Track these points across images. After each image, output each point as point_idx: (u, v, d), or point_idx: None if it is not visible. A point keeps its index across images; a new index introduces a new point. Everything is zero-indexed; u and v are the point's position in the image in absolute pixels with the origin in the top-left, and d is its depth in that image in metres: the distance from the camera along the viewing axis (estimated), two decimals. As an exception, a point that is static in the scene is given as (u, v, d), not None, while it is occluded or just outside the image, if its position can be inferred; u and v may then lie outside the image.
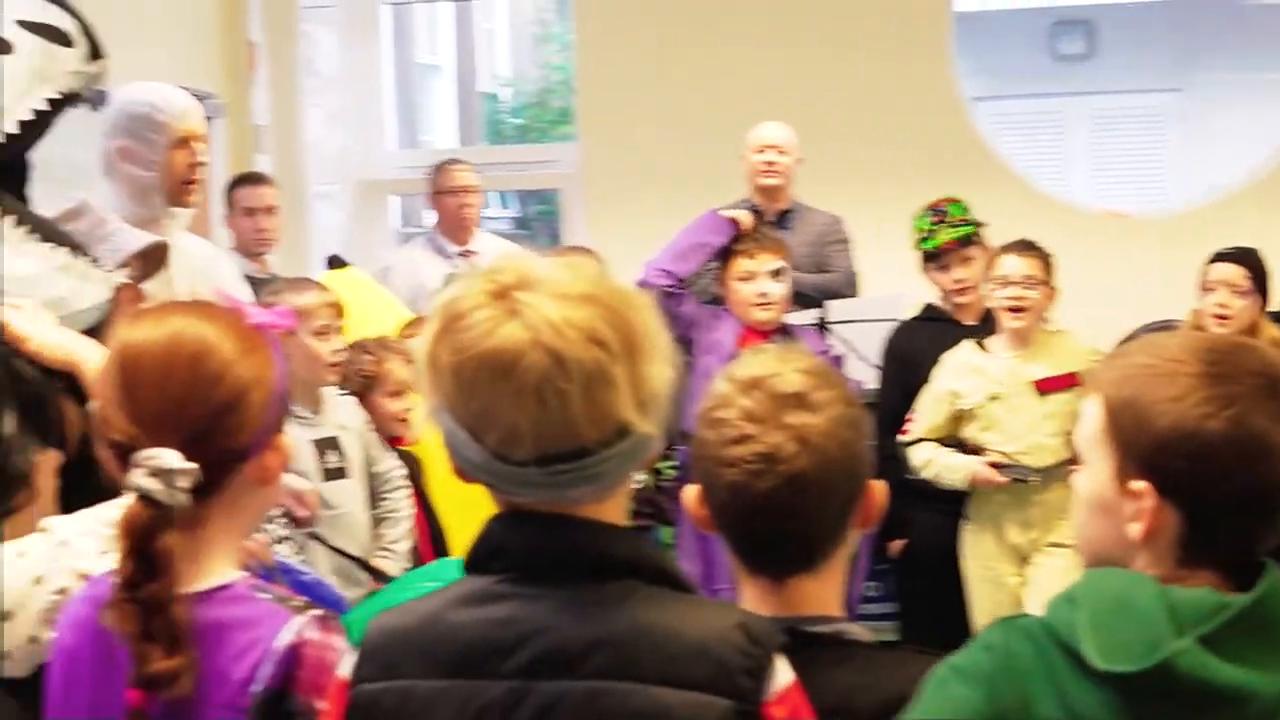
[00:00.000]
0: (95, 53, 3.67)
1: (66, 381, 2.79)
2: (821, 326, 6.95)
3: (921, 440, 6.18)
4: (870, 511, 2.44)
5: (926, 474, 6.14)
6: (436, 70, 19.12)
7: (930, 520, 6.38)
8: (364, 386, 5.81)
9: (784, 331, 6.25)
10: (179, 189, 4.94)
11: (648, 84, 9.62)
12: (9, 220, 3.49)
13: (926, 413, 6.19)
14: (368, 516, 5.58)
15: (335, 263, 7.03)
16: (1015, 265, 6.09)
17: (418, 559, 5.82)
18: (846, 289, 7.58)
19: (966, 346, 6.23)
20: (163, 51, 7.97)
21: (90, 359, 2.91)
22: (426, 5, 16.88)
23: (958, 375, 6.17)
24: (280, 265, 7.79)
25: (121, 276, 3.70)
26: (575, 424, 2.08)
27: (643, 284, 6.10)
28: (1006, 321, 6.10)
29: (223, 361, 2.30)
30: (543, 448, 2.10)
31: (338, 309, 5.55)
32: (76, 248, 3.58)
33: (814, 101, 9.17)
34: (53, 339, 2.97)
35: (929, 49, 9.61)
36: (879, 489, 2.45)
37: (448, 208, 8.48)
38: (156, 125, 4.85)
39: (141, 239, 4.07)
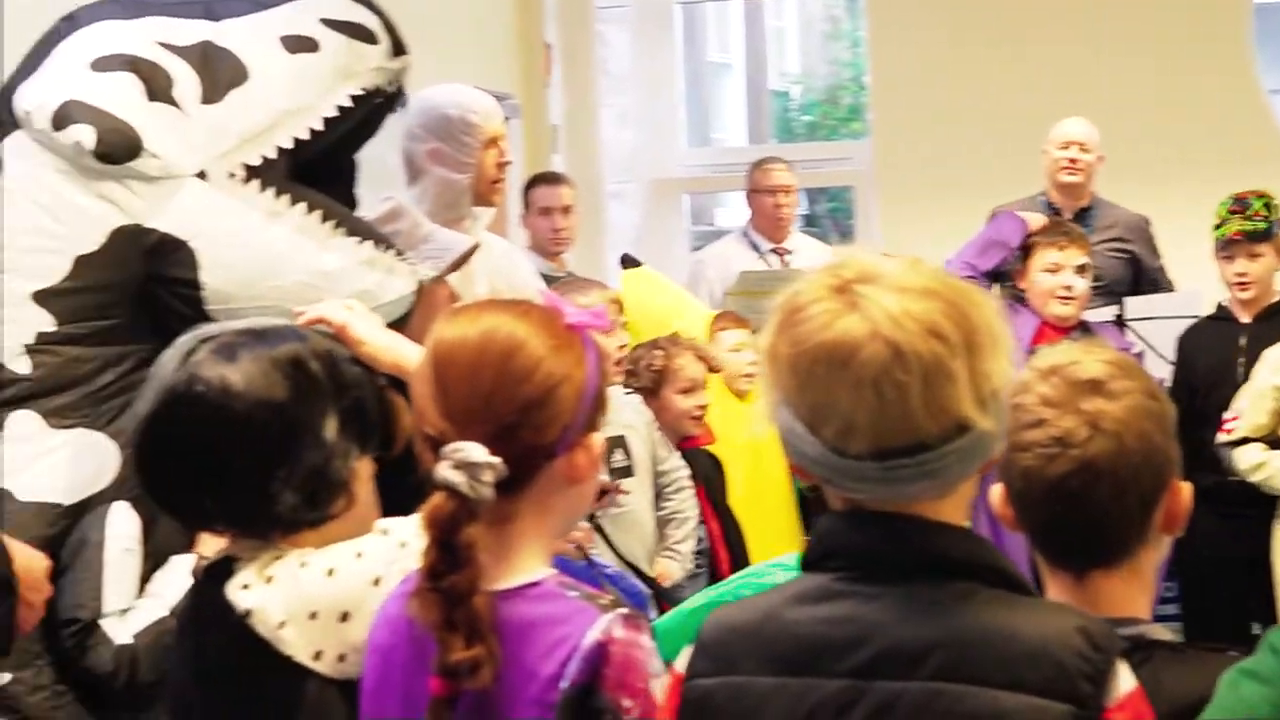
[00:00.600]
0: (398, 49, 3.72)
1: (391, 382, 2.82)
2: (1119, 323, 6.85)
3: (1247, 440, 6.04)
4: (1176, 513, 2.40)
5: (1256, 477, 6.00)
6: (727, 68, 19.15)
7: (1209, 523, 6.27)
8: (654, 382, 5.83)
9: (1082, 328, 6.15)
10: (487, 189, 5.01)
11: (941, 80, 9.55)
12: (315, 215, 3.56)
13: (1250, 410, 6.05)
14: (653, 516, 5.61)
15: (628, 261, 7.08)
16: None
17: (708, 561, 5.84)
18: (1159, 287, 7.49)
19: None
20: (461, 53, 8.09)
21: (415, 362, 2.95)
22: (717, 4, 16.91)
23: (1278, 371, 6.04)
24: (575, 264, 7.87)
25: (426, 270, 3.75)
26: (913, 418, 2.06)
27: None
28: None
29: (533, 358, 2.31)
30: (880, 442, 2.08)
31: (619, 307, 5.58)
32: (380, 241, 3.64)
33: (1111, 96, 9.02)
34: (384, 342, 3.02)
35: (1228, 42, 9.42)
36: (1185, 490, 2.41)
37: (763, 206, 8.55)
38: (469, 127, 4.91)
39: (462, 241, 4.13)
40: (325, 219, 3.58)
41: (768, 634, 2.16)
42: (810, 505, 6.10)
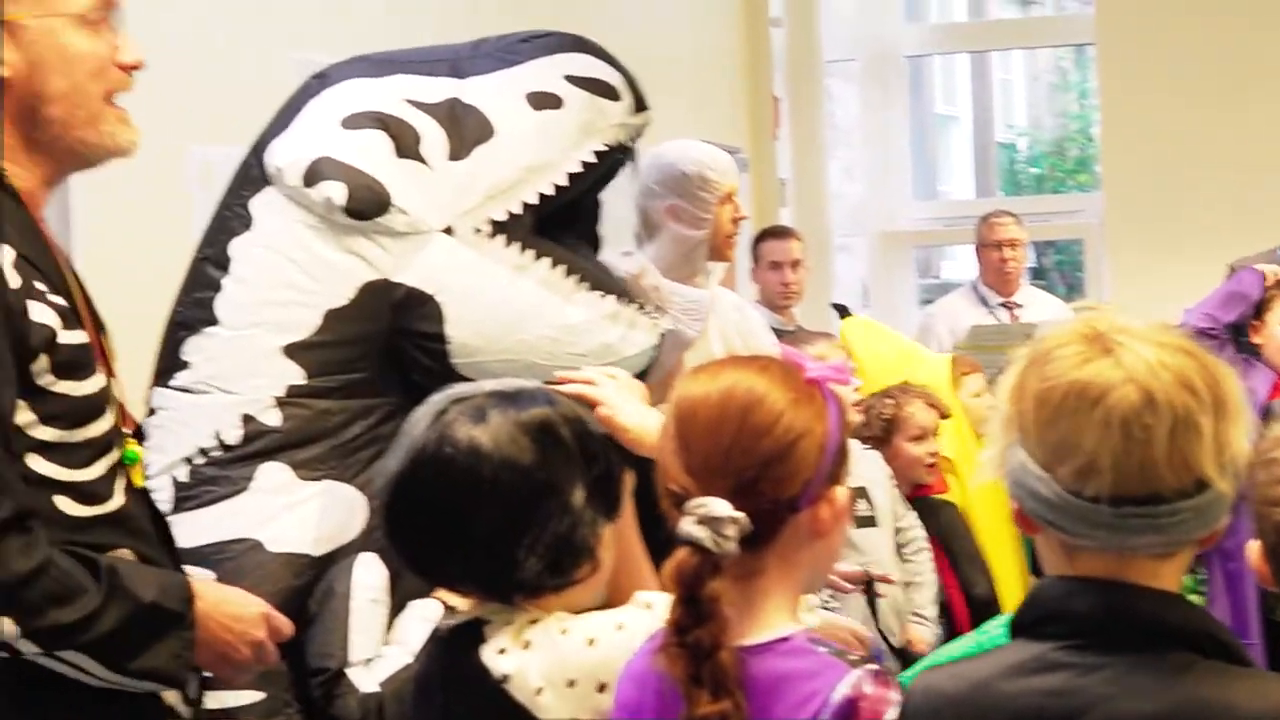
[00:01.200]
0: (639, 105, 3.76)
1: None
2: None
3: None
4: None
5: None
6: (954, 121, 19.08)
7: None
8: (885, 431, 5.82)
9: None
10: (722, 244, 5.03)
11: (1171, 132, 9.43)
12: (559, 270, 3.60)
13: None
14: (897, 567, 5.60)
15: (843, 310, 7.10)
16: None
17: (943, 613, 5.80)
18: None
19: None
20: (690, 107, 8.15)
21: None
22: (944, 57, 16.86)
23: None
24: (802, 317, 7.88)
25: (668, 324, 3.78)
26: (1155, 466, 2.06)
27: (1181, 326, 5.99)
28: None
29: (773, 412, 2.32)
30: (1119, 486, 2.07)
31: (848, 358, 5.59)
32: (623, 294, 3.68)
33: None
34: (646, 425, 3.01)
35: None
36: None
37: (991, 260, 8.53)
38: (706, 183, 4.94)
39: (705, 299, 4.17)
40: (569, 273, 3.61)
41: (981, 705, 2.14)
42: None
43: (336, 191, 3.46)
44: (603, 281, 3.68)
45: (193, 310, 3.56)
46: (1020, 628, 2.20)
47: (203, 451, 3.48)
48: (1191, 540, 2.13)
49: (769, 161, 9.71)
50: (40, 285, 2.63)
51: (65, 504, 2.61)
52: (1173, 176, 9.40)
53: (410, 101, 3.61)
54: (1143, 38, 9.62)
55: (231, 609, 2.80)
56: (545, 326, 3.57)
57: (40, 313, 2.61)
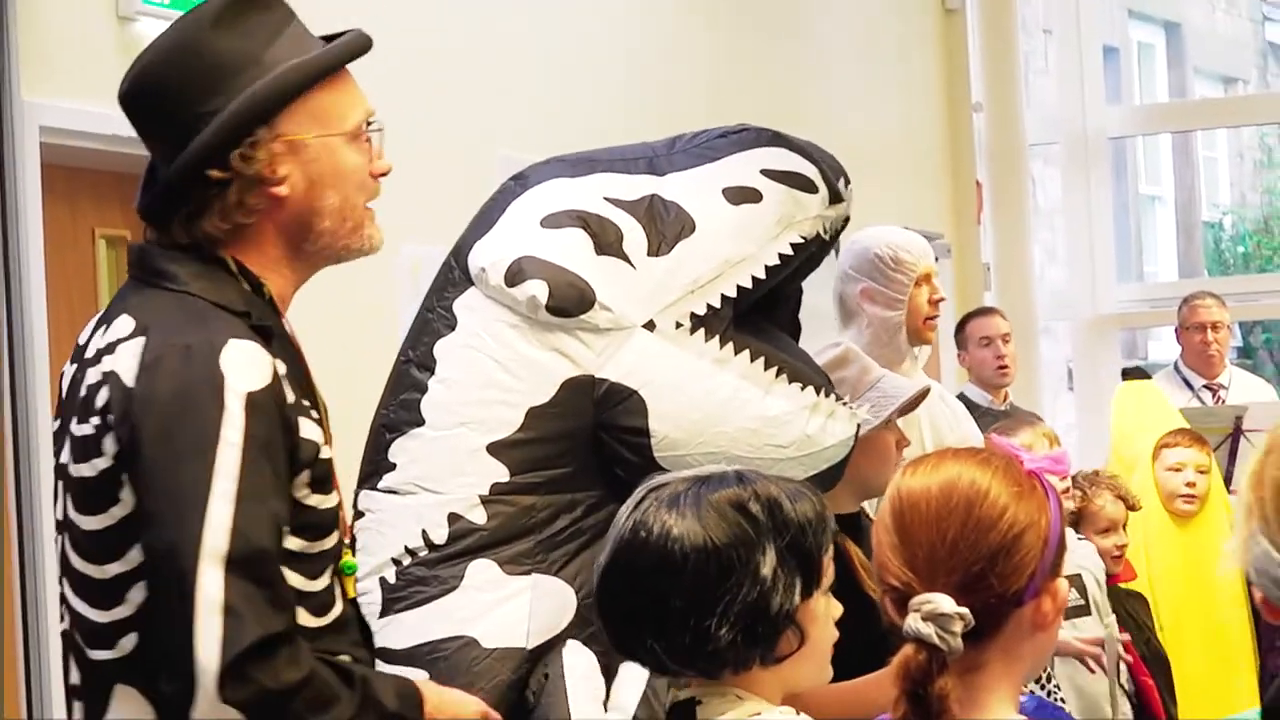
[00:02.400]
0: (834, 197, 3.77)
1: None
2: None
3: None
4: None
5: None
6: (1158, 200, 18.89)
7: None
8: (1072, 523, 5.78)
9: None
10: (921, 325, 5.03)
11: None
12: (759, 363, 3.60)
13: None
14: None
15: (1128, 373, 7.20)
16: None
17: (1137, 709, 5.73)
18: None
19: None
20: (894, 193, 8.16)
21: None
22: (1147, 137, 16.71)
23: None
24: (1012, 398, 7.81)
25: (865, 415, 3.78)
26: None
27: None
28: None
29: (996, 506, 2.31)
30: None
31: (1050, 441, 5.57)
32: (821, 386, 3.68)
33: None
34: None
35: None
36: None
37: (1192, 342, 8.43)
38: (900, 264, 4.95)
39: (910, 386, 4.15)
40: (768, 366, 3.62)
41: None
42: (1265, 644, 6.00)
43: (540, 290, 3.48)
44: (802, 373, 3.67)
45: (399, 412, 3.60)
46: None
47: (410, 552, 3.51)
48: None
49: (972, 246, 9.68)
50: (305, 401, 2.72)
51: (302, 615, 2.67)
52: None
53: (609, 199, 3.64)
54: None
55: (452, 710, 2.85)
56: (746, 419, 3.57)
57: (308, 429, 2.69)
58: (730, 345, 3.60)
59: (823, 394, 3.65)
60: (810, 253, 3.79)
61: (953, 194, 9.61)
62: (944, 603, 2.24)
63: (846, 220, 3.83)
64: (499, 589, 3.47)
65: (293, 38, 2.79)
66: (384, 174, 2.87)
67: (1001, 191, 9.92)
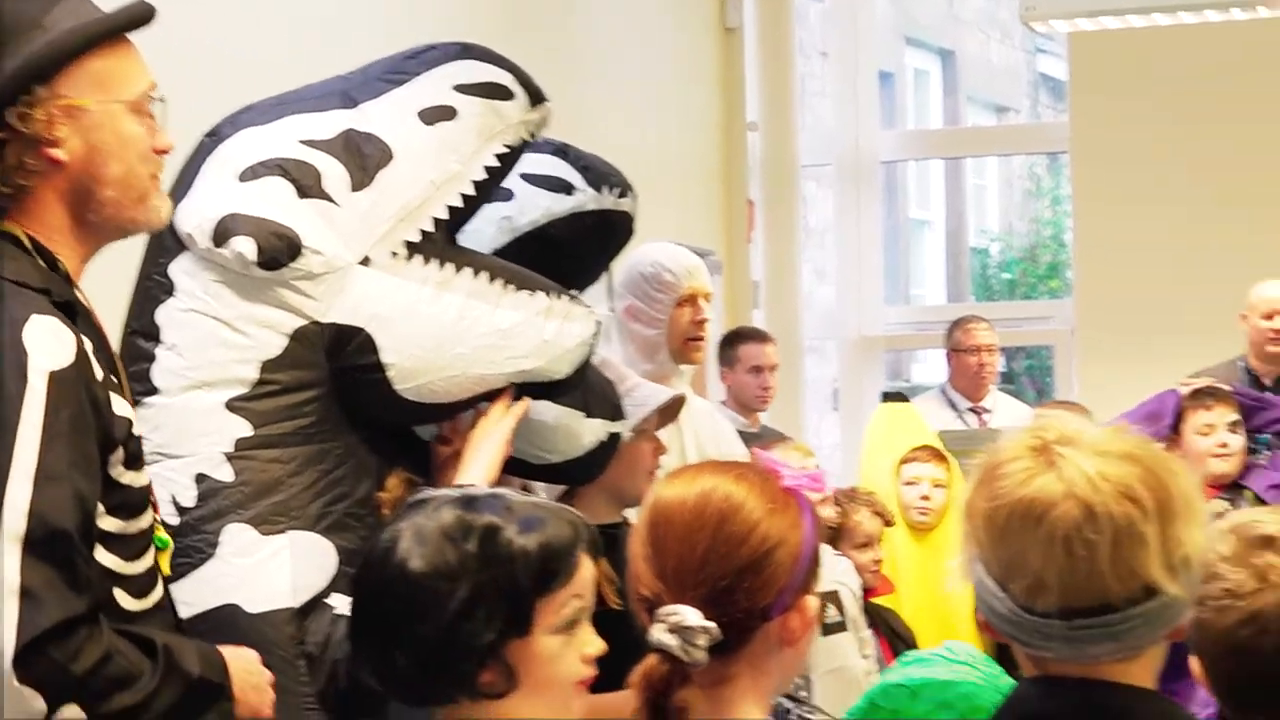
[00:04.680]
0: (535, 99, 3.78)
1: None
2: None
3: None
4: None
5: None
6: (927, 225, 19.18)
7: None
8: (830, 539, 5.87)
9: (1234, 486, 6.29)
10: (685, 346, 5.06)
11: (1144, 240, 9.50)
12: (483, 277, 3.61)
13: None
14: (862, 672, 5.61)
15: (892, 397, 7.32)
16: None
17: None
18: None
19: None
20: (667, 209, 8.19)
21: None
22: (919, 162, 16.97)
23: None
24: (769, 419, 7.89)
25: (601, 313, 3.80)
26: (1101, 578, 2.09)
27: None
28: None
29: (748, 521, 2.32)
30: (1067, 600, 2.11)
31: (805, 456, 5.66)
32: (552, 289, 3.68)
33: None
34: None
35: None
36: None
37: (964, 365, 8.54)
38: (662, 284, 4.99)
39: (662, 393, 4.20)
40: (494, 278, 3.61)
41: None
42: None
43: (247, 246, 3.45)
44: (530, 280, 3.67)
45: (132, 384, 3.57)
46: None
47: (161, 523, 3.48)
48: (1155, 640, 2.15)
49: (742, 263, 9.76)
50: (113, 377, 2.74)
51: (124, 599, 2.71)
52: (1143, 284, 9.46)
53: (304, 141, 3.61)
54: (1115, 146, 9.70)
55: (252, 674, 2.91)
56: (479, 336, 3.58)
57: (120, 406, 2.71)
58: (450, 265, 3.60)
59: (555, 296, 3.66)
60: (518, 158, 3.81)
61: (725, 211, 9.68)
62: (689, 615, 2.26)
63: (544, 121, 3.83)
64: (256, 551, 3.45)
65: (75, 4, 2.79)
66: (166, 151, 2.89)
67: (773, 210, 10.02)
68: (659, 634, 2.26)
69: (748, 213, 9.84)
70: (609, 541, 3.46)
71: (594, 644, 2.58)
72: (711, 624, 2.26)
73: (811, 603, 2.37)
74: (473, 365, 3.56)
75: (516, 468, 3.78)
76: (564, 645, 2.55)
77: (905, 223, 17.95)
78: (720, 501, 2.33)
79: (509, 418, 3.60)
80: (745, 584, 2.30)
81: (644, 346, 4.99)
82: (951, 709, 3.40)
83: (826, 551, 5.59)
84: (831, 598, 5.54)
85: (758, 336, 7.91)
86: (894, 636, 5.97)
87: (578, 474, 3.95)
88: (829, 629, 5.47)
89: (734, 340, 7.85)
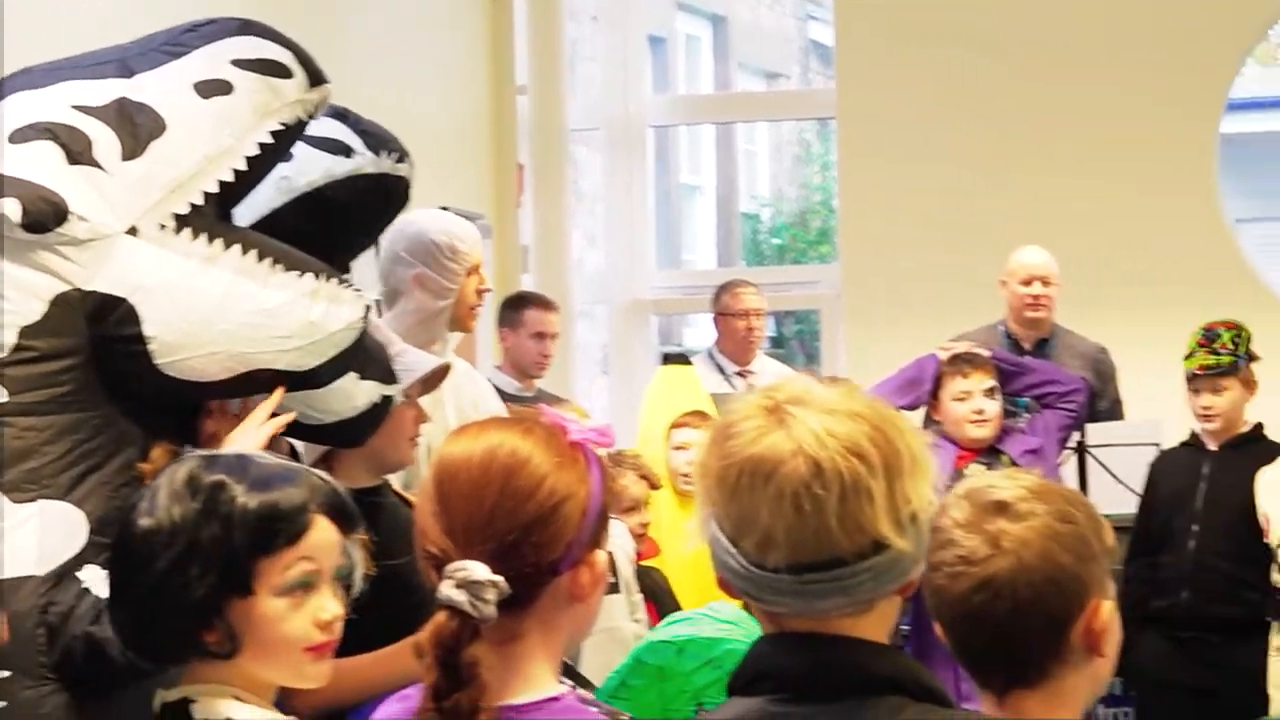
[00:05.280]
0: (315, 79, 3.76)
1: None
2: (1080, 450, 6.97)
3: None
4: (1095, 634, 2.40)
5: None
6: (698, 191, 19.29)
7: (1160, 646, 6.52)
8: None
9: (991, 451, 6.38)
10: (465, 314, 5.04)
11: (909, 205, 9.64)
12: (251, 255, 3.58)
13: None
14: (632, 635, 5.64)
15: (669, 358, 7.33)
16: None
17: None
18: (1116, 416, 7.58)
19: None
20: (436, 172, 8.15)
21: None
22: (689, 127, 17.06)
23: None
24: (541, 382, 7.88)
25: (370, 298, 3.78)
26: (830, 534, 2.12)
27: None
28: None
29: (535, 476, 2.31)
30: (797, 556, 2.14)
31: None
32: (321, 271, 3.66)
33: (1077, 224, 9.14)
34: None
35: (1193, 172, 9.53)
36: (1105, 611, 2.40)
37: (732, 329, 8.55)
38: (456, 254, 4.95)
39: (429, 360, 4.18)
40: (262, 257, 3.58)
41: None
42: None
43: (10, 208, 3.40)
44: (299, 261, 3.65)
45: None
46: (735, 689, 2.24)
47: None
48: (884, 594, 2.18)
49: (512, 228, 9.76)
50: None
51: None
52: (909, 249, 9.60)
53: (77, 107, 3.57)
54: (881, 112, 9.83)
55: None
56: (244, 314, 3.54)
57: None
58: (220, 241, 3.57)
59: (323, 279, 3.63)
60: (294, 138, 3.78)
61: (494, 175, 9.67)
62: (477, 570, 2.25)
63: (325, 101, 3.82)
64: (5, 519, 3.39)
65: None
66: None
67: (543, 174, 10.01)
68: (447, 590, 2.25)
69: (517, 177, 9.83)
70: (370, 508, 3.46)
71: (329, 609, 2.59)
72: (500, 579, 2.25)
73: (600, 558, 2.38)
74: (235, 343, 3.51)
75: (289, 429, 3.75)
76: (291, 608, 2.56)
77: (676, 188, 18.03)
78: (506, 456, 2.33)
79: (269, 427, 3.58)
80: (533, 538, 2.29)
81: (428, 314, 4.93)
82: (717, 666, 3.44)
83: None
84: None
85: (543, 303, 7.89)
86: (659, 598, 6.00)
87: (349, 435, 3.92)
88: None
89: (519, 304, 7.84)
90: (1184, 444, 6.81)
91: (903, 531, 2.16)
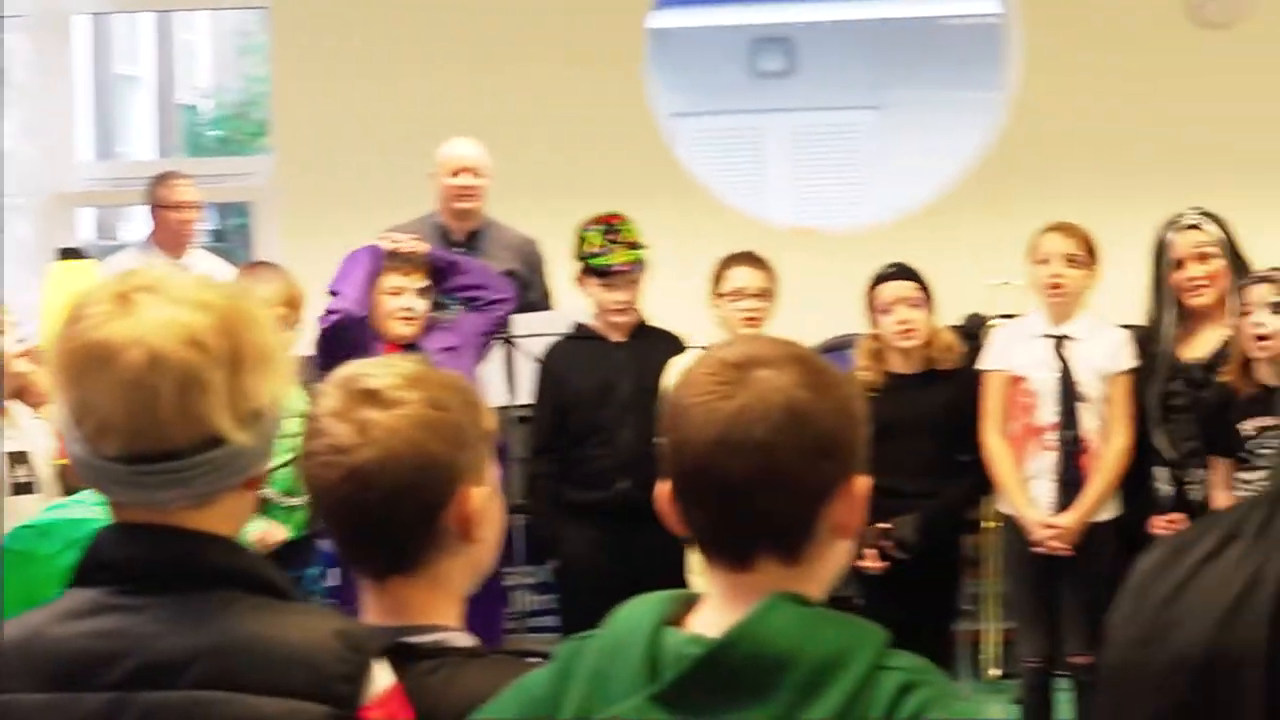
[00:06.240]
0: None
1: None
2: (508, 340, 7.04)
3: None
4: (464, 519, 2.41)
5: None
6: (135, 81, 18.83)
7: (582, 534, 6.62)
8: (15, 395, 5.76)
9: (411, 347, 6.41)
10: None
11: (343, 97, 9.58)
12: None
13: None
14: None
15: (69, 253, 7.16)
16: (749, 277, 6.50)
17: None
18: (545, 307, 7.67)
19: None
20: None
21: None
22: (127, 15, 16.61)
23: None
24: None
25: None
26: (165, 425, 2.13)
27: (327, 314, 6.27)
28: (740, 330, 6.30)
29: None
30: (132, 445, 2.14)
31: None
32: None
33: (510, 116, 9.21)
34: None
35: (624, 64, 9.68)
36: (476, 498, 2.42)
37: (167, 221, 8.43)
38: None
39: None
40: None
41: (35, 651, 2.17)
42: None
43: None
44: None
45: None
46: (77, 579, 2.23)
47: None
48: (226, 488, 2.19)
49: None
50: None
51: None
52: (342, 141, 9.55)
53: None
54: (316, 2, 9.73)
55: None
56: None
57: None
58: None
59: None
60: None
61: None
62: None
63: None
64: None
65: None
66: None
67: (-33, 63, 9.65)
68: None
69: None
70: None
71: None
72: None
73: None
74: None
75: None
76: None
77: (112, 79, 17.57)
78: None
79: None
80: None
81: None
82: (82, 548, 3.42)
83: (22, 412, 5.47)
84: (21, 457, 5.43)
85: None
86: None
87: None
88: (19, 488, 5.37)
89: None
90: (578, 336, 6.84)
91: (244, 426, 2.17)
